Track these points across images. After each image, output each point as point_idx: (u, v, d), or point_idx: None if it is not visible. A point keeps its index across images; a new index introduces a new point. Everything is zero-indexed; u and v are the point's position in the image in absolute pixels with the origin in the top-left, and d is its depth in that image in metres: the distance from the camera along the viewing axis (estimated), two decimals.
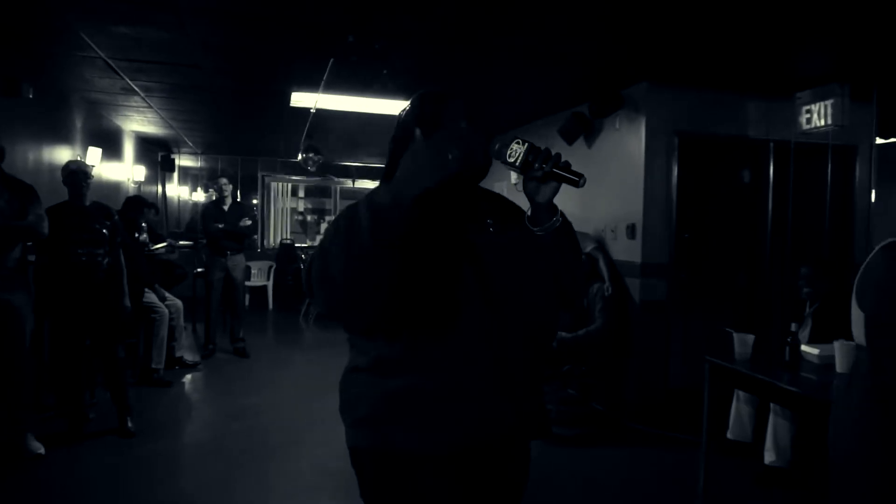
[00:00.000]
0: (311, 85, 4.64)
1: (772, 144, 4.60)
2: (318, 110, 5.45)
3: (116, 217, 3.85)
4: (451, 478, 1.28)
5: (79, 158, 5.54)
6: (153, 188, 9.14)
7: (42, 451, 3.44)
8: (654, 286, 4.41)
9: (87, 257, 3.60)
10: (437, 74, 4.45)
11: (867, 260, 1.78)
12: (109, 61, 4.11)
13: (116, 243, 3.79)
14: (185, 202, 10.88)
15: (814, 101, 4.12)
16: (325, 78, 4.35)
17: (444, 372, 1.26)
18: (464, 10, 3.15)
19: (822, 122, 4.08)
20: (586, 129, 4.95)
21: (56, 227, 3.45)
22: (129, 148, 7.47)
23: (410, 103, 1.41)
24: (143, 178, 7.62)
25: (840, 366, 2.81)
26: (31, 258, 3.59)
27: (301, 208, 10.93)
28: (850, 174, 4.66)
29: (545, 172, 1.25)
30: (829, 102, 4.03)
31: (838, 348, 2.82)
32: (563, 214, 1.32)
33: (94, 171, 5.60)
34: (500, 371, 1.29)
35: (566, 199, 1.45)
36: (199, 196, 10.89)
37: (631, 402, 4.41)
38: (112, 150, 6.67)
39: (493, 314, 1.28)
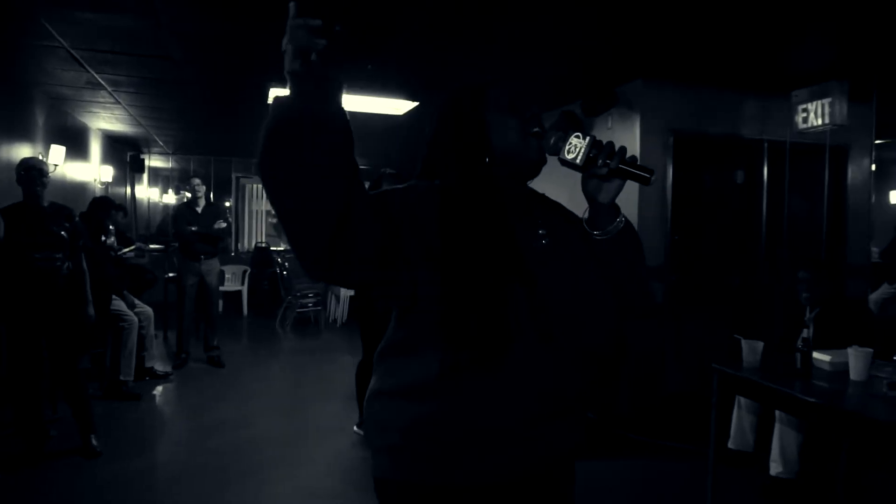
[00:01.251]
0: None
1: (766, 144, 4.51)
2: None
3: (77, 219, 3.56)
4: None
5: (40, 156, 5.22)
6: (121, 189, 8.76)
7: None
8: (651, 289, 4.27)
9: (45, 262, 3.30)
10: (429, 70, 4.25)
11: None
12: (73, 51, 3.83)
13: (78, 247, 3.50)
14: (156, 204, 10.50)
15: (811, 100, 4.03)
16: None
17: (485, 402, 1.12)
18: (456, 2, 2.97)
19: (820, 122, 3.99)
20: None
21: (10, 230, 3.16)
22: (95, 147, 7.11)
23: (451, 95, 1.28)
24: (110, 179, 7.26)
25: (855, 373, 2.70)
26: None
27: (264, 210, 10.62)
28: (842, 175, 4.60)
29: (611, 169, 1.13)
30: (826, 101, 3.94)
31: (853, 355, 2.70)
32: (625, 216, 1.20)
33: (58, 171, 5.30)
34: (548, 404, 1.16)
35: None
36: (171, 198, 10.51)
37: (626, 412, 4.26)
38: (78, 149, 6.33)
39: (544, 338, 1.14)
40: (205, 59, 4.15)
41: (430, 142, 1.28)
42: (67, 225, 3.41)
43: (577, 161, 1.16)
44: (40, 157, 3.91)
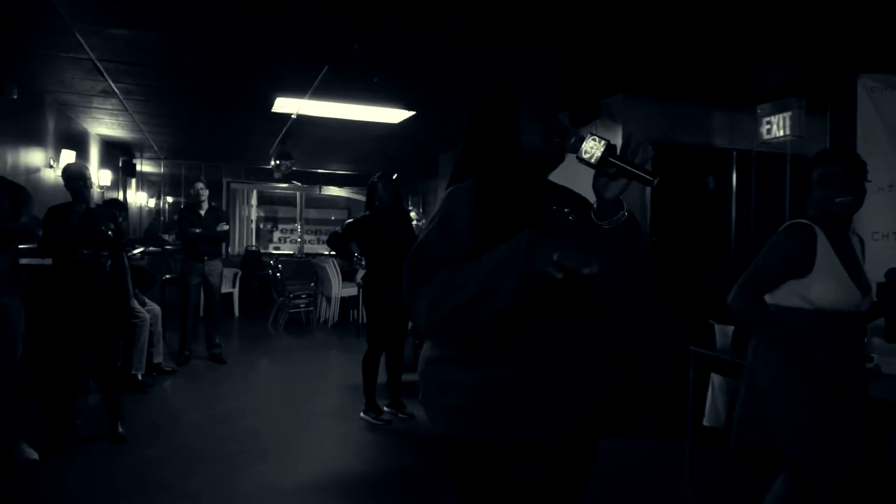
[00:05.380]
0: (298, 91, 4.71)
1: (735, 153, 4.96)
2: (299, 116, 5.52)
3: (121, 219, 3.84)
4: (538, 464, 1.34)
5: (51, 161, 5.43)
6: (114, 194, 8.90)
7: (36, 457, 3.38)
8: None
9: (92, 258, 3.58)
10: (429, 82, 4.59)
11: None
12: (98, 63, 4.09)
13: (121, 245, 3.79)
14: (146, 208, 10.62)
15: (773, 113, 4.48)
16: (315, 84, 4.44)
17: (538, 364, 1.30)
18: (457, 23, 3.32)
19: (781, 133, 4.44)
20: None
21: (61, 228, 3.43)
22: (94, 152, 7.29)
23: (488, 97, 1.47)
24: (108, 183, 7.45)
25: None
26: (24, 261, 3.54)
27: (253, 216, 10.85)
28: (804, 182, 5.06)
29: (619, 168, 1.28)
30: (787, 114, 4.39)
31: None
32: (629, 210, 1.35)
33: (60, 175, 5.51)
34: (590, 364, 1.34)
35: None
36: (161, 202, 10.64)
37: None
38: (78, 153, 6.50)
39: (584, 305, 1.33)
40: (219, 71, 4.43)
41: (467, 137, 1.47)
42: (112, 225, 3.69)
43: (592, 160, 1.30)
44: (83, 163, 4.14)
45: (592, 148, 1.31)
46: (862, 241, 2.21)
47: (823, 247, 2.02)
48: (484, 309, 1.22)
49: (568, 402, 1.33)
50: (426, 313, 1.27)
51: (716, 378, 3.85)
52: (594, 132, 1.35)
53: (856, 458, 2.03)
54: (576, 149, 1.32)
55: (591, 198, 1.40)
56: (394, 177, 4.31)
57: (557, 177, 1.51)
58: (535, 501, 1.35)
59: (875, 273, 2.25)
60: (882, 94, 3.65)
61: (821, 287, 2.01)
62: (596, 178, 1.34)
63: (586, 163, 1.32)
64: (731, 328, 3.29)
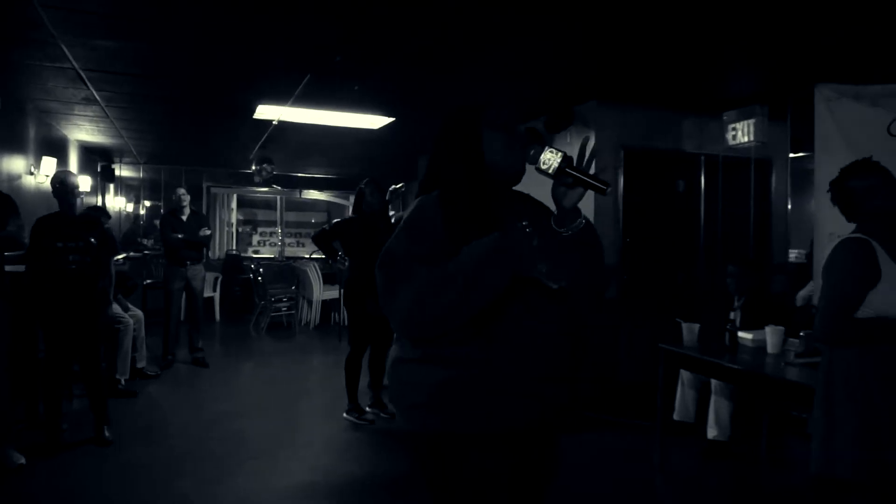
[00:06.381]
0: (280, 98, 4.80)
1: (703, 158, 5.16)
2: (281, 122, 5.60)
3: (106, 227, 3.89)
4: (496, 456, 1.44)
5: (32, 168, 5.45)
6: (93, 199, 8.87)
7: (23, 461, 3.43)
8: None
9: (78, 265, 3.63)
10: (409, 90, 4.71)
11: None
12: (81, 72, 4.14)
13: (106, 252, 3.84)
14: (124, 213, 10.55)
15: (739, 120, 4.69)
16: (297, 92, 4.53)
17: (497, 363, 1.39)
18: (437, 35, 3.45)
19: (746, 139, 4.65)
20: (540, 144, 5.33)
21: (48, 236, 3.48)
22: (73, 158, 7.28)
23: (452, 115, 1.58)
24: (87, 189, 7.43)
25: (771, 347, 3.30)
26: (8, 268, 3.58)
27: (234, 220, 10.86)
28: (767, 185, 5.30)
29: (575, 178, 1.39)
30: (751, 121, 4.60)
31: (769, 332, 3.30)
32: (586, 217, 1.45)
33: (40, 181, 5.52)
34: (545, 362, 1.44)
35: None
36: (141, 207, 10.59)
37: (586, 395, 4.80)
38: (58, 159, 6.50)
39: (537, 308, 1.43)
40: (200, 79, 4.50)
41: (433, 152, 1.56)
42: (97, 233, 3.75)
43: (550, 171, 1.40)
44: (71, 172, 4.18)
45: (550, 159, 1.40)
46: None
47: (882, 257, 2.01)
48: (468, 306, 1.32)
49: (522, 397, 1.42)
50: (407, 311, 1.36)
51: (685, 374, 4.02)
52: (552, 145, 1.46)
53: None
54: (535, 160, 1.42)
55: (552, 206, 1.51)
56: (400, 187, 4.42)
57: (523, 187, 1.61)
58: (495, 491, 1.44)
59: None
60: (837, 103, 3.85)
61: (882, 294, 1.98)
62: (554, 187, 1.43)
63: (545, 173, 1.42)
64: (696, 326, 3.47)
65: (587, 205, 4.75)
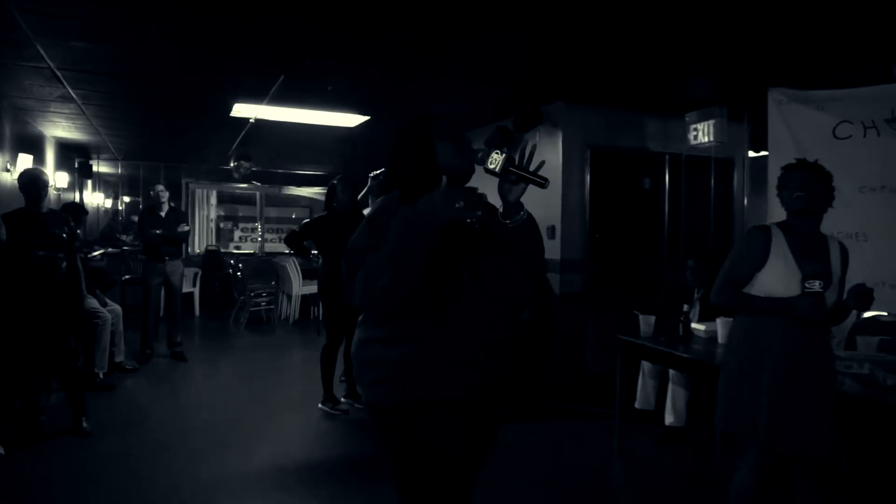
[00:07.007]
0: (256, 97, 4.90)
1: (667, 157, 5.36)
2: (258, 120, 5.69)
3: (73, 223, 3.96)
4: (450, 421, 1.64)
5: (8, 165, 5.49)
6: (71, 195, 8.87)
7: (2, 451, 3.52)
8: (572, 280, 5.03)
9: (47, 260, 3.70)
10: (382, 90, 4.84)
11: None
12: (57, 71, 4.21)
13: (74, 248, 3.91)
14: (102, 209, 10.54)
15: (699, 121, 4.88)
16: (272, 91, 4.64)
17: (447, 338, 1.60)
18: (407, 38, 3.59)
19: (706, 139, 4.85)
20: (509, 142, 5.49)
21: (16, 232, 3.55)
22: (50, 154, 7.30)
23: (407, 126, 1.75)
24: (65, 185, 7.46)
25: (721, 337, 3.48)
26: None
27: (213, 216, 10.87)
28: (729, 183, 5.51)
29: (517, 175, 1.59)
30: (711, 122, 4.79)
31: (720, 324, 3.48)
32: (528, 211, 1.66)
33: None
34: (490, 336, 1.65)
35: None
36: (119, 203, 10.58)
37: (552, 385, 4.98)
38: (34, 156, 6.53)
39: (482, 292, 1.63)
40: (175, 78, 4.58)
41: (392, 157, 1.74)
42: (66, 228, 3.82)
43: (496, 170, 1.58)
44: (39, 169, 4.25)
45: (496, 160, 1.59)
46: (843, 248, 2.38)
47: (779, 243, 2.29)
48: (405, 279, 1.50)
49: (473, 370, 1.64)
50: (360, 293, 1.56)
51: (645, 365, 4.21)
52: (496, 148, 1.65)
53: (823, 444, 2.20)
54: (483, 161, 1.61)
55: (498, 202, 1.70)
56: (380, 172, 4.48)
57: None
58: (448, 452, 1.64)
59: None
60: (788, 107, 4.05)
61: (767, 276, 2.28)
62: (500, 184, 1.63)
63: (492, 172, 1.61)
64: (652, 318, 3.65)
65: (555, 204, 4.95)
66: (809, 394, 2.22)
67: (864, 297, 2.25)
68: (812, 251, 2.31)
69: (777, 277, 2.28)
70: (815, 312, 2.17)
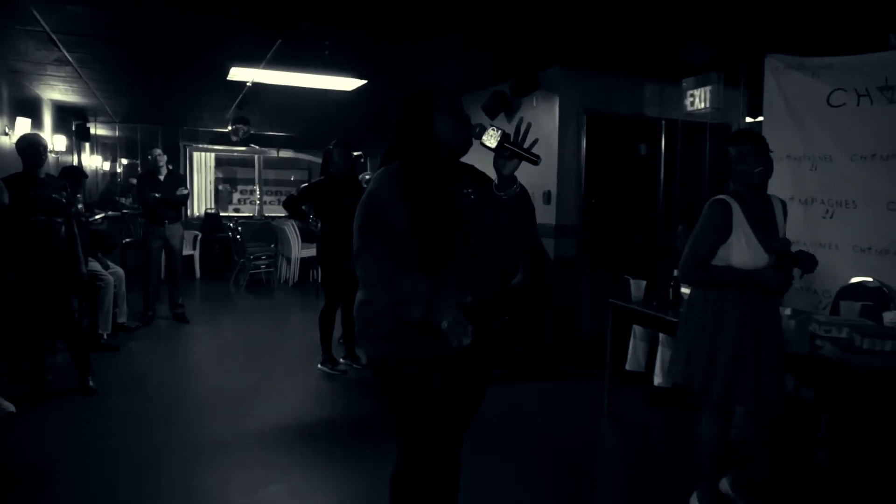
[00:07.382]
0: (253, 61, 4.87)
1: (663, 122, 5.36)
2: (255, 84, 5.67)
3: (69, 188, 4.01)
4: (443, 375, 1.75)
5: (6, 129, 5.50)
6: (68, 158, 8.87)
7: (13, 409, 3.65)
8: (567, 245, 5.10)
9: (47, 224, 3.76)
10: (380, 54, 4.81)
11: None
12: (53, 35, 4.19)
13: (71, 213, 3.97)
14: (101, 172, 10.54)
15: (696, 87, 4.88)
16: (269, 55, 4.62)
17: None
18: (406, 4, 3.57)
19: (703, 105, 4.85)
20: (506, 107, 5.49)
21: (16, 197, 3.60)
22: (47, 117, 7.28)
23: (408, 98, 1.78)
24: (63, 148, 7.46)
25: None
26: None
27: (212, 178, 10.88)
28: (724, 149, 5.51)
29: (512, 152, 1.67)
30: (708, 88, 4.79)
31: None
32: (521, 184, 1.74)
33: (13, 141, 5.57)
34: (478, 302, 1.71)
35: (491, 171, 1.83)
36: (117, 166, 10.58)
37: (547, 347, 5.10)
38: (32, 119, 6.51)
39: (473, 261, 1.74)
40: (172, 42, 4.56)
41: (393, 129, 1.79)
42: (64, 193, 3.87)
43: (492, 145, 1.67)
44: (37, 134, 4.27)
45: (491, 136, 1.67)
46: (784, 204, 2.56)
47: (738, 217, 2.39)
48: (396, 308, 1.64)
49: None
50: (361, 276, 1.70)
51: (637, 328, 4.32)
52: (493, 124, 1.72)
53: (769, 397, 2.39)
54: (479, 136, 1.69)
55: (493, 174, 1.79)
56: (335, 142, 4.52)
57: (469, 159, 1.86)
58: (444, 405, 1.76)
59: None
60: (784, 73, 4.06)
61: (735, 250, 2.39)
62: (495, 159, 1.72)
63: (488, 147, 1.69)
64: (643, 283, 3.73)
65: (551, 169, 4.98)
66: (761, 355, 2.38)
67: (811, 262, 2.44)
68: (764, 219, 2.43)
69: (741, 250, 2.38)
70: (784, 286, 2.37)
